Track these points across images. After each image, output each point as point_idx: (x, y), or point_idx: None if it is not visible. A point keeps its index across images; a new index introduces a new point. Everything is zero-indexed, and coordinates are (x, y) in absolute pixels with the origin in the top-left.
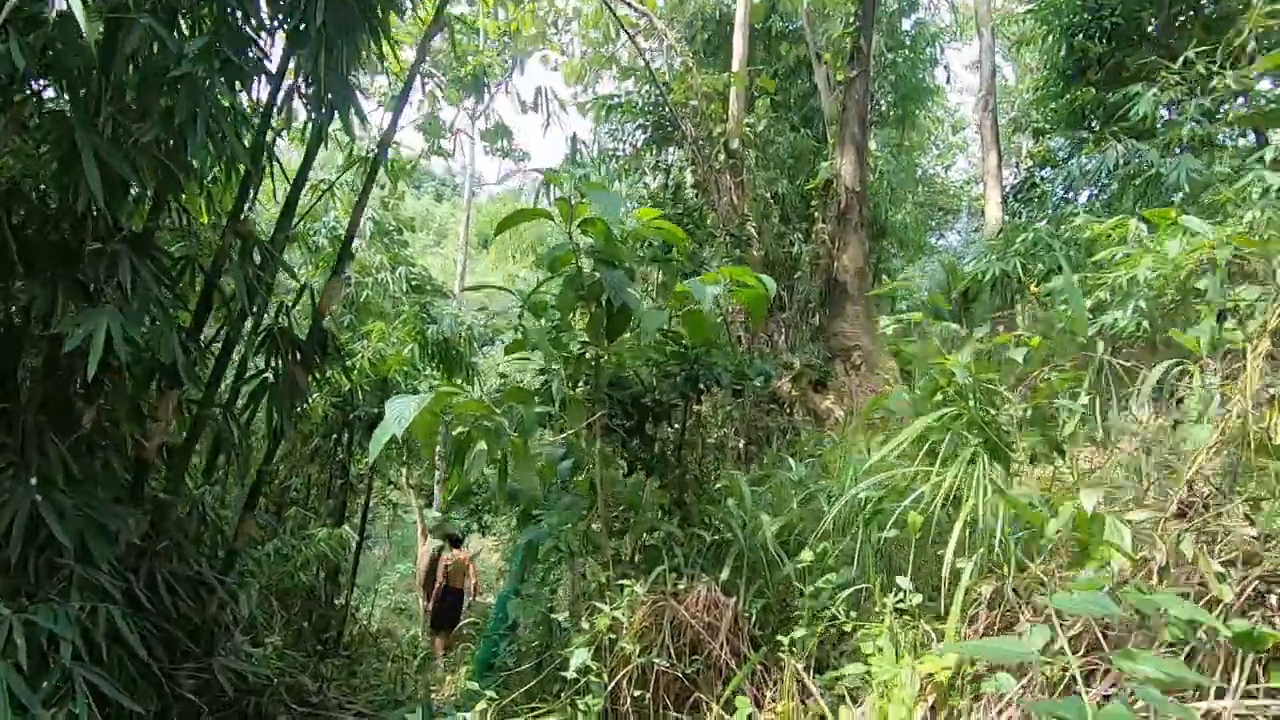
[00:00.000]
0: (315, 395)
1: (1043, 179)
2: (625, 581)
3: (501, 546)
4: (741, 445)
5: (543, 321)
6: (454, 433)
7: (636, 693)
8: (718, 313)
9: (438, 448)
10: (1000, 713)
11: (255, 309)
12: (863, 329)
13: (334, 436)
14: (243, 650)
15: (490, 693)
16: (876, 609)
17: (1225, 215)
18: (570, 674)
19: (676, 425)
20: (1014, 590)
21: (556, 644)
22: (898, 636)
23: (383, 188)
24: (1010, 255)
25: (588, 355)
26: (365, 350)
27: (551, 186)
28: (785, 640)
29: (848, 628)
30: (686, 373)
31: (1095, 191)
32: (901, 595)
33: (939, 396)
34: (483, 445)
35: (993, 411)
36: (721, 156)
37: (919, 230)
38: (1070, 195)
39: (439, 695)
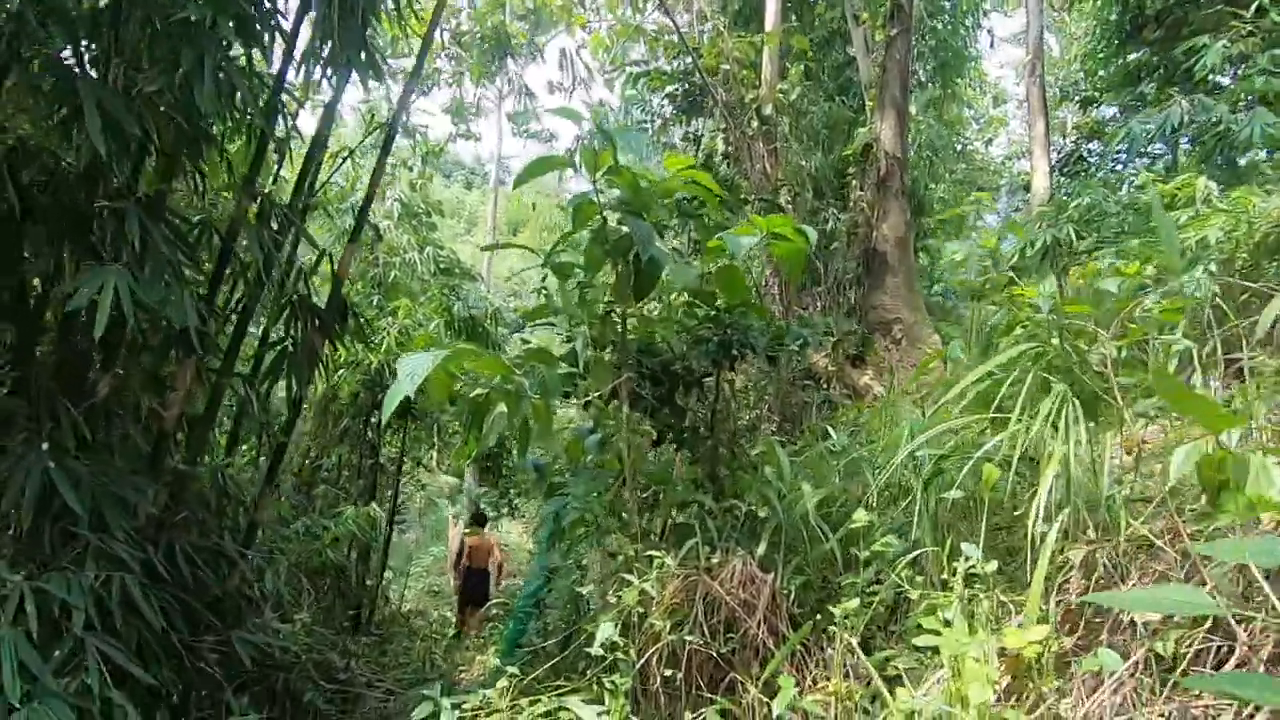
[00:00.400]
0: (343, 373)
1: (1090, 151)
2: (655, 554)
3: (529, 530)
4: (775, 424)
5: (568, 284)
6: (471, 395)
7: (667, 672)
8: (751, 279)
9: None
10: (1095, 697)
11: (274, 277)
12: (904, 302)
13: (363, 417)
14: (270, 626)
15: (513, 669)
16: (943, 577)
17: None
18: (596, 650)
19: (709, 396)
20: (1108, 556)
21: (584, 620)
22: (972, 608)
23: (411, 169)
24: (1063, 222)
25: (614, 315)
26: (391, 328)
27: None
28: (838, 612)
29: (913, 595)
30: (720, 337)
31: (1150, 160)
32: (971, 563)
33: (1018, 331)
34: (502, 408)
35: (1084, 349)
36: (754, 123)
37: (959, 206)
38: (1120, 167)
39: (468, 674)
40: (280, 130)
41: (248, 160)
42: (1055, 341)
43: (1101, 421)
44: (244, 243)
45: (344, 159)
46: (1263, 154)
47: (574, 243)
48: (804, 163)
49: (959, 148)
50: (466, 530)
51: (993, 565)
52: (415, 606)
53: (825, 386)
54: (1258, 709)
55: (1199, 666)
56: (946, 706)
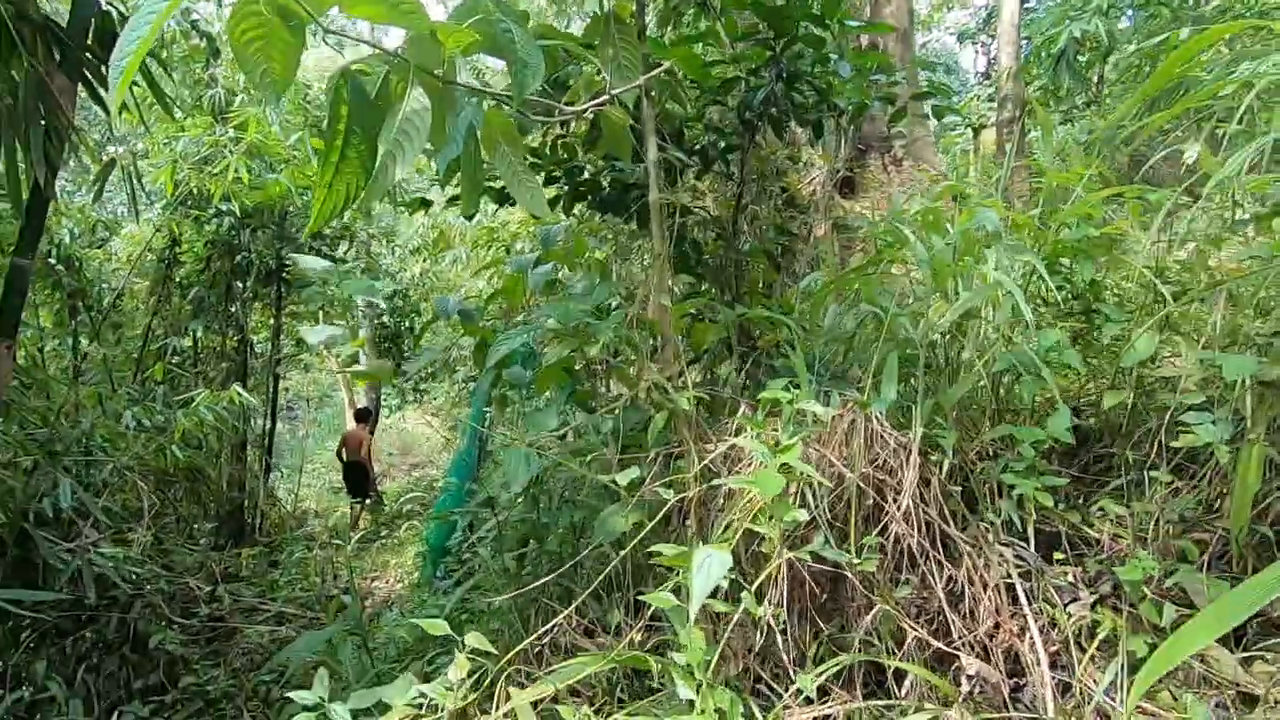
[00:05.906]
0: (190, 231)
1: None
2: (774, 394)
3: (440, 415)
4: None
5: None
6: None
7: (773, 614)
8: None
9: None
10: None
11: None
12: (908, 112)
13: (221, 288)
14: (92, 551)
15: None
16: None
17: None
18: (699, 605)
19: (732, 176)
20: None
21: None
22: None
23: None
24: (1090, 14)
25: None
26: (234, 156)
27: None
28: None
29: None
30: (778, 69)
31: None
32: None
33: None
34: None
35: None
36: None
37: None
38: None
39: (381, 582)
40: None
41: None
42: None
43: None
44: None
45: None
46: None
47: None
48: None
49: None
50: (349, 438)
51: None
52: (316, 506)
53: (810, 214)
54: None
55: None
56: None
